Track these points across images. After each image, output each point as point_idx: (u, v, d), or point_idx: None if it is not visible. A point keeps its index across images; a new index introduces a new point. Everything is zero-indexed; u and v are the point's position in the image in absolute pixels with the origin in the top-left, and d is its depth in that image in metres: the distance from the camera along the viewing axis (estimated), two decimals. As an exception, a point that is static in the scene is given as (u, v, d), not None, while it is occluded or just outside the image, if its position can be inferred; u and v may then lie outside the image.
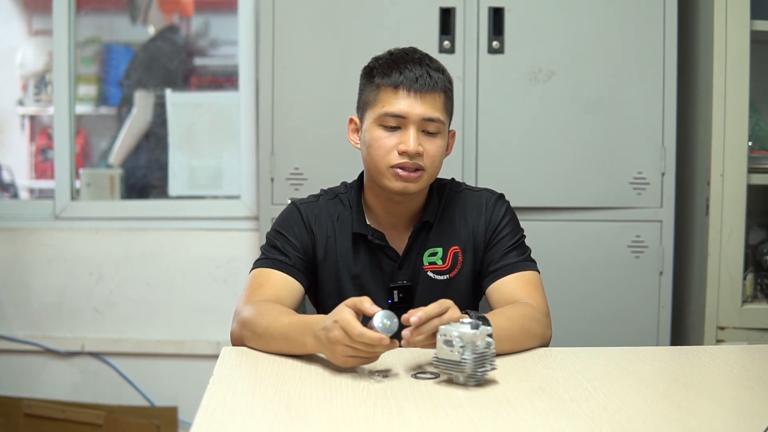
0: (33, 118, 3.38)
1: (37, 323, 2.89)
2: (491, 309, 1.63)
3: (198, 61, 3.21)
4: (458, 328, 1.28)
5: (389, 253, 1.69)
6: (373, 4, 2.43)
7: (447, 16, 2.41)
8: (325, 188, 1.77)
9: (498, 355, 1.34)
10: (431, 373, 1.34)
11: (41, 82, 3.24)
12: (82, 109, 3.16)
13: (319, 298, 1.72)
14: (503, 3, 2.41)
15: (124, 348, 2.87)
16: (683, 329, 2.56)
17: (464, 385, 1.28)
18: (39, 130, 3.38)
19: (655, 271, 2.45)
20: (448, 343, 1.28)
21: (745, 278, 2.42)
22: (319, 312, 1.73)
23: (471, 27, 2.42)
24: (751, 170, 2.38)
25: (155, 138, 3.12)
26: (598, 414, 1.17)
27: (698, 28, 2.46)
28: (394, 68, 1.60)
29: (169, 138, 3.05)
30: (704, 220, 2.40)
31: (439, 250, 1.69)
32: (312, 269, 1.69)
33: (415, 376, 1.33)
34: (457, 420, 1.14)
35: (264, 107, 2.47)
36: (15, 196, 3.28)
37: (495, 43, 2.41)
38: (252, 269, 1.66)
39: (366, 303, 1.33)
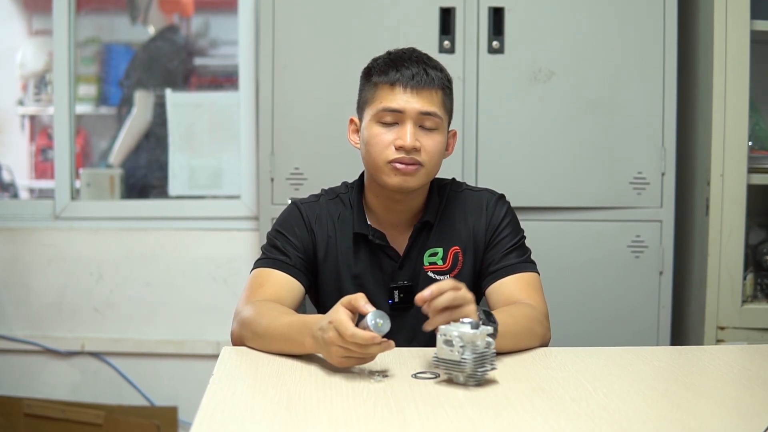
0: (33, 118, 3.38)
1: (37, 323, 2.89)
2: (491, 309, 1.63)
3: (198, 61, 3.21)
4: (458, 327, 1.28)
5: (390, 253, 1.69)
6: (373, 4, 2.43)
7: (447, 16, 2.41)
8: (326, 188, 1.77)
9: (498, 354, 1.34)
10: (431, 373, 1.34)
11: (41, 82, 3.24)
12: (82, 109, 3.16)
13: (320, 298, 1.72)
14: (503, 3, 2.41)
15: (124, 348, 2.87)
16: (683, 329, 2.56)
17: (464, 385, 1.28)
18: (39, 130, 3.38)
19: (655, 271, 2.45)
20: (448, 342, 1.28)
21: (745, 278, 2.42)
22: (319, 312, 1.73)
23: (471, 27, 2.42)
24: (751, 170, 2.38)
25: (155, 138, 3.12)
26: (598, 414, 1.17)
27: (698, 28, 2.46)
28: (392, 67, 1.61)
29: (169, 138, 3.05)
30: (704, 220, 2.40)
31: (440, 250, 1.69)
32: (312, 269, 1.69)
33: (415, 376, 1.33)
34: (457, 420, 1.14)
35: (264, 107, 2.47)
36: (15, 196, 3.28)
37: (495, 43, 2.41)
38: (252, 269, 1.66)
39: (360, 301, 1.33)
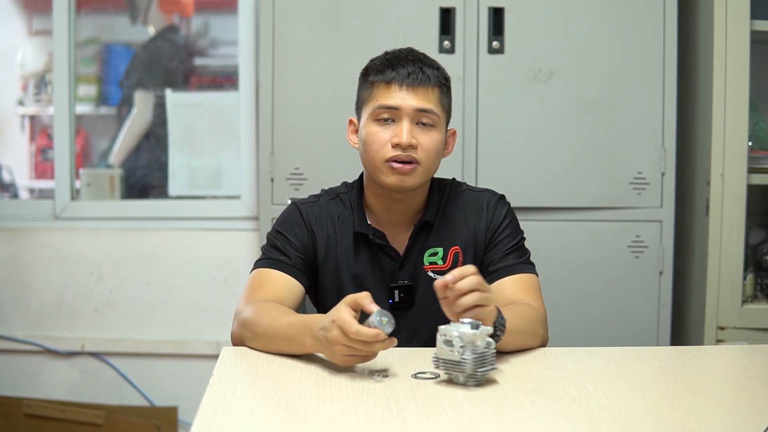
0: (33, 118, 3.38)
1: (37, 323, 2.89)
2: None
3: (198, 61, 3.21)
4: (458, 328, 1.28)
5: (390, 252, 1.69)
6: (373, 4, 2.43)
7: (447, 16, 2.41)
8: (326, 188, 1.77)
9: (498, 354, 1.34)
10: (431, 373, 1.34)
11: (41, 82, 3.24)
12: (82, 109, 3.16)
13: (320, 298, 1.72)
14: (503, 3, 2.41)
15: (124, 348, 2.87)
16: (683, 329, 2.56)
17: (464, 385, 1.28)
18: (39, 130, 3.38)
19: (655, 271, 2.45)
20: (448, 343, 1.28)
21: (745, 278, 2.42)
22: (319, 312, 1.73)
23: (471, 27, 2.42)
24: (751, 170, 2.38)
25: (155, 138, 3.13)
26: (598, 414, 1.17)
27: (698, 28, 2.46)
28: (388, 66, 1.62)
29: (169, 138, 3.05)
30: (704, 220, 2.40)
31: (440, 249, 1.69)
32: (312, 269, 1.69)
33: (415, 376, 1.33)
34: (457, 420, 1.14)
35: (264, 107, 2.47)
36: (15, 196, 3.28)
37: (495, 43, 2.41)
38: (252, 269, 1.66)
39: (366, 300, 1.33)
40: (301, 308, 1.70)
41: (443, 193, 1.73)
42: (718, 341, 2.38)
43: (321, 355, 1.40)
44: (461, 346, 1.27)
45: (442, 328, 1.30)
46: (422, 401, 1.21)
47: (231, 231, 2.88)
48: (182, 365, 2.87)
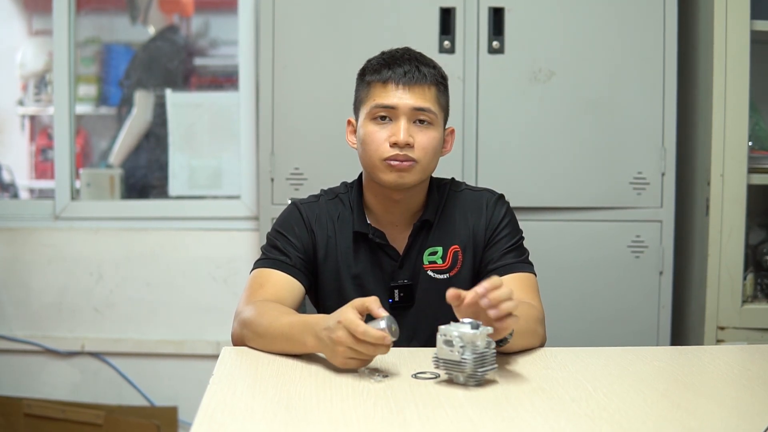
0: (33, 118, 3.38)
1: (37, 323, 2.89)
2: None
3: (198, 61, 3.21)
4: (458, 328, 1.28)
5: (390, 252, 1.69)
6: (373, 4, 2.43)
7: (447, 16, 2.41)
8: (325, 188, 1.78)
9: (498, 354, 1.34)
10: (431, 373, 1.34)
11: (41, 82, 3.24)
12: (82, 109, 3.16)
13: (320, 298, 1.73)
14: (503, 3, 2.41)
15: (124, 348, 2.87)
16: (683, 329, 2.56)
17: (464, 385, 1.28)
18: (39, 130, 3.38)
19: (655, 271, 2.45)
20: (448, 343, 1.28)
21: (745, 278, 2.42)
22: (319, 312, 1.73)
23: (471, 27, 2.42)
24: (751, 170, 2.38)
25: (155, 138, 3.13)
26: (598, 414, 1.17)
27: (698, 28, 2.46)
28: (385, 65, 1.63)
29: (169, 138, 3.05)
30: (704, 220, 2.40)
31: (439, 249, 1.69)
32: (312, 269, 1.69)
33: (415, 376, 1.33)
34: (457, 420, 1.14)
35: (264, 107, 2.48)
36: (15, 196, 3.28)
37: (495, 43, 2.41)
38: (252, 269, 1.67)
39: (374, 304, 1.33)
40: (301, 308, 1.70)
41: (442, 193, 1.73)
42: (718, 341, 2.38)
43: (322, 354, 1.40)
44: (461, 346, 1.27)
45: (442, 328, 1.30)
46: (422, 401, 1.21)
47: (231, 231, 2.88)
48: (182, 365, 2.87)
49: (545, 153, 2.44)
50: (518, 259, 1.68)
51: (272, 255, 1.66)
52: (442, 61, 1.74)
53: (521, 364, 1.43)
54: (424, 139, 1.61)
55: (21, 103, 3.30)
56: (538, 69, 2.43)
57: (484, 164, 2.44)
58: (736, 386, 1.35)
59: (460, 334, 1.27)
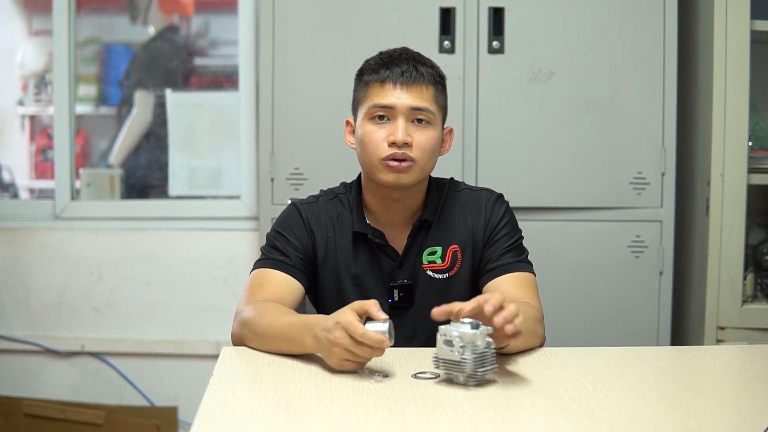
0: (33, 118, 3.38)
1: (37, 323, 2.89)
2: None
3: (198, 61, 3.21)
4: (458, 328, 1.28)
5: (389, 252, 1.69)
6: (373, 4, 2.43)
7: (447, 16, 2.41)
8: (325, 189, 1.78)
9: (498, 354, 1.34)
10: (431, 373, 1.34)
11: (41, 82, 3.24)
12: (82, 109, 3.16)
13: (319, 298, 1.73)
14: (503, 3, 2.41)
15: (124, 348, 2.87)
16: (683, 329, 2.56)
17: (464, 385, 1.28)
18: (39, 130, 3.38)
19: (655, 271, 2.45)
20: (448, 343, 1.28)
21: (745, 278, 2.42)
22: (319, 312, 1.73)
23: (471, 27, 2.42)
24: (751, 170, 2.38)
25: (155, 138, 3.13)
26: (598, 414, 1.17)
27: (698, 28, 2.46)
28: (382, 65, 1.63)
29: (169, 138, 3.05)
30: (704, 220, 2.40)
31: (439, 248, 1.70)
32: (312, 269, 1.69)
33: (415, 376, 1.33)
34: (457, 420, 1.14)
35: (264, 107, 2.47)
36: (15, 196, 3.28)
37: (495, 43, 2.41)
38: (252, 270, 1.67)
39: (374, 307, 1.33)
40: (301, 308, 1.70)
41: (441, 192, 1.73)
42: (718, 341, 2.38)
43: (320, 354, 1.40)
44: (461, 346, 1.27)
45: (442, 327, 1.30)
46: (422, 401, 1.21)
47: (231, 231, 2.88)
48: (182, 365, 2.87)
49: (545, 153, 2.44)
50: (517, 259, 1.68)
51: (272, 255, 1.66)
52: (442, 61, 1.74)
53: (521, 364, 1.43)
54: (422, 138, 1.61)
55: (21, 103, 3.30)
56: (538, 69, 2.43)
57: (484, 164, 2.44)
58: (736, 386, 1.35)
59: (460, 334, 1.27)
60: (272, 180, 2.48)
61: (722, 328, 2.39)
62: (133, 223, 2.92)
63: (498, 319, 1.26)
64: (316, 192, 1.77)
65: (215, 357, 1.47)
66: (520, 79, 2.43)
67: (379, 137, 1.61)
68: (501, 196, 1.75)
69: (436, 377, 1.32)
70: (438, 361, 1.30)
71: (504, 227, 1.70)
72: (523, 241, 1.72)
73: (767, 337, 2.39)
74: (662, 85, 2.42)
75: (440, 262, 1.69)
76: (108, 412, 2.79)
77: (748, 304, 2.41)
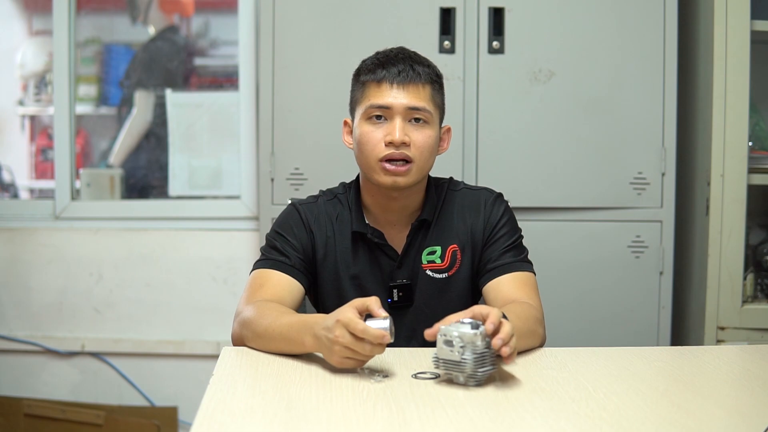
0: (33, 118, 3.38)
1: (37, 323, 2.89)
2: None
3: (198, 61, 3.22)
4: (458, 328, 1.28)
5: (388, 252, 1.69)
6: (373, 4, 2.43)
7: (447, 16, 2.41)
8: (324, 189, 1.78)
9: (498, 355, 1.34)
10: (431, 373, 1.34)
11: (41, 82, 3.24)
12: (82, 109, 3.16)
13: (319, 298, 1.73)
14: (503, 3, 2.41)
15: (124, 348, 2.87)
16: (683, 329, 2.56)
17: (464, 385, 1.28)
18: (39, 130, 3.38)
19: (655, 271, 2.45)
20: (449, 343, 1.28)
21: (745, 278, 2.42)
22: (319, 312, 1.73)
23: (471, 27, 2.42)
24: (751, 170, 2.38)
25: (155, 138, 3.13)
26: (598, 414, 1.17)
27: (698, 28, 2.46)
28: (379, 65, 1.63)
29: (169, 138, 3.05)
30: (704, 220, 2.40)
31: (438, 248, 1.70)
32: (312, 270, 1.69)
33: (415, 376, 1.33)
34: (457, 420, 1.14)
35: (264, 107, 2.47)
36: (15, 196, 3.28)
37: (495, 43, 2.41)
38: (252, 270, 1.67)
39: (375, 305, 1.34)
40: (300, 309, 1.70)
41: (440, 192, 1.73)
42: (718, 341, 2.38)
43: (321, 354, 1.40)
44: (461, 346, 1.27)
45: (442, 328, 1.30)
46: (422, 401, 1.21)
47: (231, 231, 2.88)
48: (182, 365, 2.87)
49: (545, 153, 2.44)
50: (517, 258, 1.68)
51: (272, 256, 1.66)
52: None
53: (521, 364, 1.43)
54: (419, 137, 1.61)
55: (21, 103, 3.30)
56: (538, 69, 2.43)
57: (484, 164, 2.44)
58: (736, 386, 1.35)
59: (460, 334, 1.27)
60: (272, 180, 2.48)
61: (722, 328, 2.39)
62: (133, 223, 2.92)
63: (496, 341, 1.27)
64: (316, 192, 1.77)
65: (215, 357, 1.47)
66: (520, 79, 2.43)
67: (377, 137, 1.61)
68: (500, 195, 1.75)
69: (436, 377, 1.32)
70: (438, 361, 1.30)
71: (503, 227, 1.70)
72: (523, 241, 1.72)
73: (767, 337, 2.39)
74: (662, 85, 2.42)
75: (440, 261, 1.69)
76: (108, 412, 2.79)
77: (748, 304, 2.41)
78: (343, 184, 1.77)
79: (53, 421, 2.79)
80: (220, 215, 2.92)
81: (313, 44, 2.44)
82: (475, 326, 1.28)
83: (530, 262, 1.70)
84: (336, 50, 2.43)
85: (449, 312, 1.36)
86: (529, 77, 2.43)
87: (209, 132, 3.07)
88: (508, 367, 1.38)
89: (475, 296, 1.73)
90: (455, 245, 1.70)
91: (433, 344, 1.32)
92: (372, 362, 1.35)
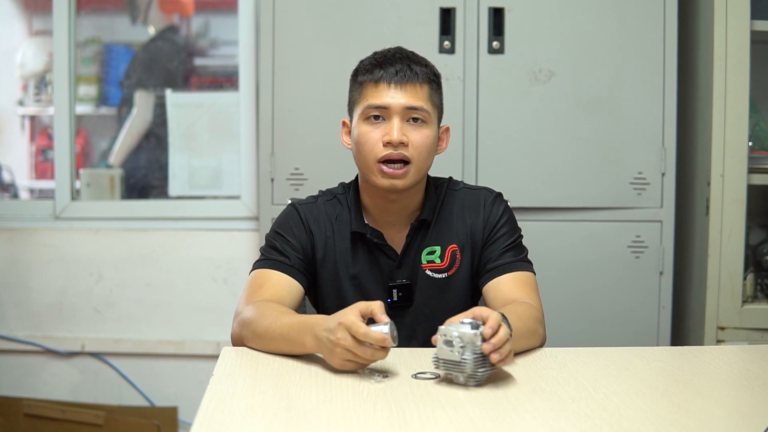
0: (33, 118, 3.38)
1: (37, 323, 2.89)
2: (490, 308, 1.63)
3: (198, 61, 3.22)
4: (458, 328, 1.28)
5: (388, 252, 1.69)
6: (373, 4, 2.43)
7: (447, 16, 2.41)
8: (324, 189, 1.78)
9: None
10: (431, 373, 1.34)
11: (41, 82, 3.24)
12: (82, 109, 3.16)
13: (319, 298, 1.73)
14: (503, 3, 2.41)
15: (124, 348, 2.87)
16: (683, 329, 2.56)
17: (464, 385, 1.28)
18: (39, 130, 3.38)
19: (655, 271, 2.45)
20: (449, 343, 1.28)
21: (745, 278, 2.42)
22: (319, 313, 1.73)
23: (471, 27, 2.42)
24: (751, 170, 2.38)
25: (155, 138, 3.13)
26: (598, 414, 1.17)
27: (698, 28, 2.46)
28: (376, 65, 1.63)
29: (169, 138, 3.05)
30: (704, 220, 2.40)
31: (438, 248, 1.69)
32: (311, 270, 1.69)
33: (415, 376, 1.33)
34: (457, 420, 1.14)
35: (264, 107, 2.47)
36: (15, 196, 3.28)
37: (495, 43, 2.41)
38: (252, 270, 1.67)
39: (379, 309, 1.34)
40: (300, 309, 1.70)
41: (440, 192, 1.73)
42: (718, 341, 2.38)
43: (321, 355, 1.40)
44: (461, 346, 1.27)
45: (442, 328, 1.30)
46: (422, 401, 1.21)
47: (231, 231, 2.88)
48: (182, 365, 2.87)
49: (545, 153, 2.44)
50: (517, 258, 1.68)
51: (271, 256, 1.66)
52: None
53: (521, 364, 1.43)
54: (418, 137, 1.61)
55: (21, 103, 3.30)
56: (538, 69, 2.43)
57: (484, 164, 2.44)
58: (736, 386, 1.35)
59: (460, 335, 1.27)
60: (272, 180, 2.48)
61: (722, 329, 2.39)
62: (133, 223, 2.92)
63: (486, 347, 1.27)
64: (316, 192, 1.77)
65: (215, 357, 1.47)
66: (520, 79, 2.43)
67: (375, 137, 1.61)
68: (500, 195, 1.75)
69: (436, 377, 1.33)
70: (438, 361, 1.30)
71: (503, 226, 1.70)
72: (523, 240, 1.72)
73: (767, 337, 2.39)
74: (662, 85, 2.42)
75: (439, 261, 1.69)
76: (108, 412, 2.79)
77: (748, 304, 2.41)
78: (342, 185, 1.77)
79: (53, 421, 2.79)
80: (220, 215, 2.92)
81: (313, 44, 2.44)
82: (476, 326, 1.28)
83: (530, 262, 1.70)
84: (336, 50, 2.43)
85: (449, 312, 1.36)
86: (529, 77, 2.43)
87: (209, 132, 3.07)
88: (508, 367, 1.38)
89: (474, 296, 1.73)
90: (455, 245, 1.70)
91: (432, 345, 1.32)
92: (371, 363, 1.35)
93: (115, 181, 3.08)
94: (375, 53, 1.68)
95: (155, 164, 3.12)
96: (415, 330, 1.69)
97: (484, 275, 1.67)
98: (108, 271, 2.87)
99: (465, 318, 1.31)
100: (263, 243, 1.71)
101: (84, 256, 2.87)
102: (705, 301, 2.39)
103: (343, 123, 1.73)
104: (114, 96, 3.24)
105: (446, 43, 2.41)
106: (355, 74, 1.68)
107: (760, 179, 2.41)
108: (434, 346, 1.31)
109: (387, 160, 1.60)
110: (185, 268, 2.87)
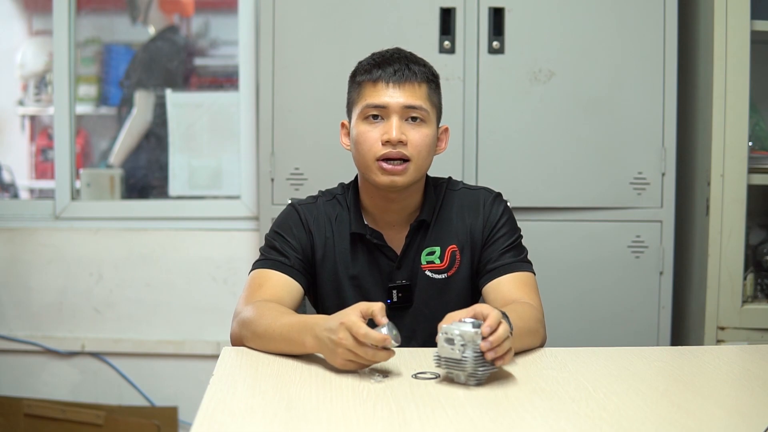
0: (33, 118, 3.38)
1: (37, 323, 2.89)
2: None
3: (198, 61, 3.22)
4: (459, 326, 1.28)
5: (387, 252, 1.69)
6: (373, 4, 2.43)
7: (447, 16, 2.41)
8: (323, 189, 1.78)
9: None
10: (431, 373, 1.34)
11: (41, 82, 3.24)
12: (82, 109, 3.16)
13: (319, 299, 1.73)
14: (503, 3, 2.41)
15: (124, 348, 2.87)
16: (683, 329, 2.56)
17: (465, 384, 1.28)
18: (39, 130, 3.38)
19: (655, 271, 2.45)
20: (450, 341, 1.28)
21: (745, 278, 2.42)
22: (318, 313, 1.73)
23: (471, 27, 2.42)
24: (751, 170, 2.38)
25: (155, 138, 3.13)
26: (598, 414, 1.17)
27: (698, 29, 2.47)
28: (375, 66, 1.64)
29: (169, 138, 3.05)
30: (704, 220, 2.40)
31: (437, 249, 1.69)
32: (311, 270, 1.69)
33: (415, 376, 1.33)
34: (457, 420, 1.14)
35: (264, 107, 2.48)
36: (15, 196, 3.28)
37: (495, 43, 2.41)
38: (251, 270, 1.67)
39: (380, 311, 1.34)
40: (300, 309, 1.70)
41: (439, 192, 1.73)
42: (719, 341, 2.38)
43: (321, 355, 1.40)
44: (462, 345, 1.27)
45: (444, 326, 1.30)
46: (422, 401, 1.21)
47: (231, 231, 2.88)
48: (182, 365, 2.87)
49: (545, 153, 2.44)
50: (517, 258, 1.68)
51: (271, 256, 1.66)
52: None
53: (521, 364, 1.43)
54: (416, 136, 1.61)
55: (21, 103, 3.30)
56: (538, 69, 2.43)
57: (484, 164, 2.44)
58: (736, 386, 1.35)
59: (461, 333, 1.27)
60: (272, 180, 2.48)
61: (722, 328, 2.39)
62: (133, 223, 2.92)
63: (483, 344, 1.27)
64: (316, 192, 1.77)
65: (215, 357, 1.47)
66: (520, 79, 2.43)
67: (374, 137, 1.61)
68: (499, 195, 1.75)
69: (436, 377, 1.33)
70: (439, 359, 1.30)
71: (503, 227, 1.70)
72: (523, 240, 1.72)
73: (767, 337, 2.39)
74: (662, 85, 2.42)
75: (439, 262, 1.69)
76: (108, 412, 2.79)
77: (748, 304, 2.41)
78: (341, 185, 1.77)
79: (53, 421, 2.79)
80: (220, 215, 2.92)
81: (313, 44, 2.44)
82: (477, 325, 1.28)
83: (530, 262, 1.70)
84: (336, 50, 2.43)
85: (449, 312, 1.36)
86: (529, 77, 2.43)
87: (209, 132, 3.07)
88: (509, 367, 1.38)
89: (474, 296, 1.73)
90: (454, 245, 1.70)
91: (432, 344, 1.32)
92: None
93: (115, 181, 3.08)
94: (373, 54, 1.68)
95: (155, 164, 3.12)
96: (414, 331, 1.69)
97: (484, 276, 1.67)
98: (108, 271, 2.87)
99: (466, 316, 1.31)
100: (263, 243, 1.71)
101: (84, 256, 2.87)
102: (705, 301, 2.39)
103: (342, 125, 1.73)
104: (114, 96, 3.24)
105: (446, 43, 2.41)
106: (354, 75, 1.68)
107: (760, 179, 2.41)
108: (433, 345, 1.31)
109: (386, 158, 1.60)
110: (185, 268, 2.87)
